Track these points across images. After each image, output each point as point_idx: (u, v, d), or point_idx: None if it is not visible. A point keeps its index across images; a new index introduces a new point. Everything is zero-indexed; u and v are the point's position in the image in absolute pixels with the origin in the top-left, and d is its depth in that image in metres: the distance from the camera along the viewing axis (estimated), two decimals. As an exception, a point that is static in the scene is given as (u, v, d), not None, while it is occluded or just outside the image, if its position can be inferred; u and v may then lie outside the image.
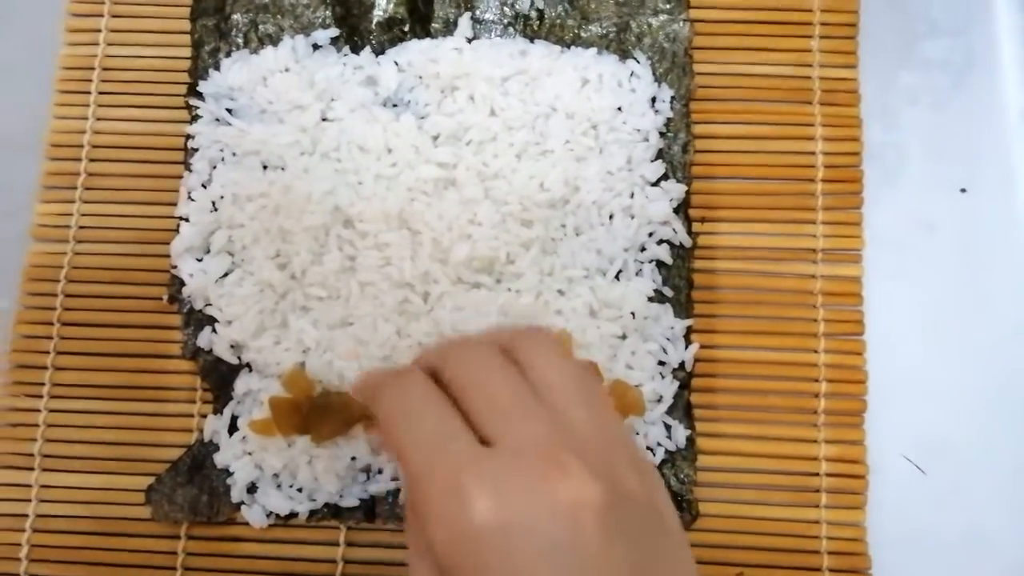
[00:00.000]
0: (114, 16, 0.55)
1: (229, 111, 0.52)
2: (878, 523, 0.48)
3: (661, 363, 0.49)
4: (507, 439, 0.31)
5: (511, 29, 0.54)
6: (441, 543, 0.30)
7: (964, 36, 0.55)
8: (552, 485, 0.30)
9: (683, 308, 0.50)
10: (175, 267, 0.51)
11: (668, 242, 0.51)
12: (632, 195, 0.50)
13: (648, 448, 0.48)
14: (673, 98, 0.53)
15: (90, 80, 0.54)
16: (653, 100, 0.52)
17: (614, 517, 0.30)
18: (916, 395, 0.50)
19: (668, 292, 0.50)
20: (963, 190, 0.53)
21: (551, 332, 0.38)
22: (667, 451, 0.48)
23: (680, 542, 0.33)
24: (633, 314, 0.49)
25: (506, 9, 0.54)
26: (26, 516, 0.49)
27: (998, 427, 0.50)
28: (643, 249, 0.50)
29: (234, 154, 0.51)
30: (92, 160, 0.53)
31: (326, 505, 0.48)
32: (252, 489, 0.48)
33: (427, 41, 0.53)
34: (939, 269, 0.52)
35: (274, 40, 0.53)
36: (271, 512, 0.48)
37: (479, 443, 0.31)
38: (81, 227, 0.53)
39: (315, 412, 0.47)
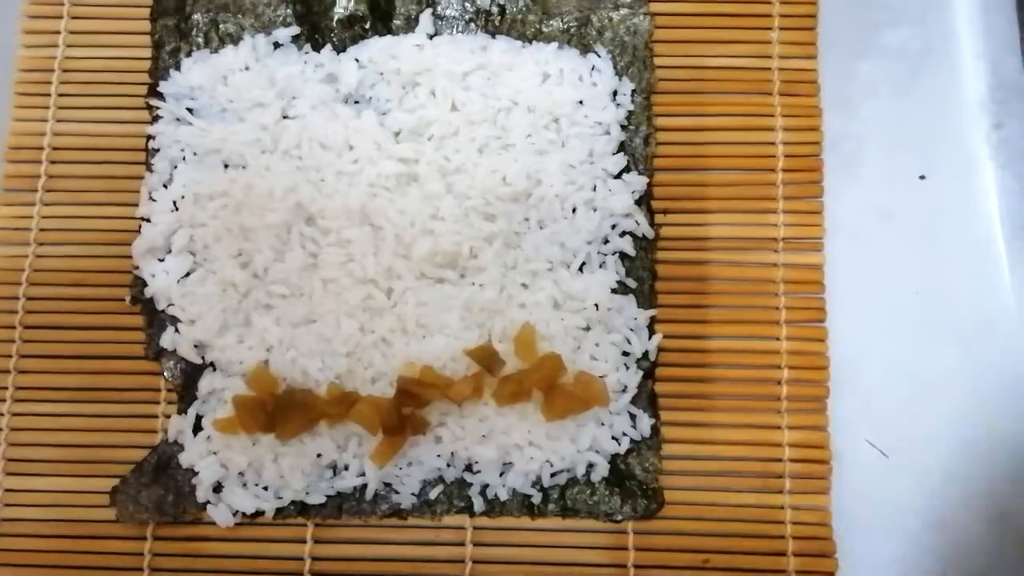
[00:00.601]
0: (73, 17, 0.55)
1: (190, 111, 0.52)
2: (842, 507, 0.49)
3: (625, 353, 0.49)
4: None
5: (472, 25, 0.54)
6: None
7: (922, 25, 0.55)
8: None
9: (646, 299, 0.50)
10: (137, 268, 0.50)
11: (631, 234, 0.51)
12: (594, 188, 0.51)
13: (613, 438, 0.48)
14: (634, 91, 0.53)
15: (49, 82, 0.54)
16: (614, 93, 0.52)
17: None
18: (878, 380, 0.50)
19: (631, 283, 0.50)
20: (922, 177, 0.53)
21: None
22: (632, 440, 0.49)
23: None
24: (597, 306, 0.49)
25: (467, 5, 0.54)
26: (-10, 521, 0.49)
27: (957, 409, 0.50)
28: (606, 241, 0.51)
29: (195, 153, 0.51)
30: (52, 162, 0.53)
31: (292, 502, 0.48)
32: (218, 488, 0.48)
33: (388, 38, 0.53)
34: (899, 256, 0.52)
35: (234, 39, 0.53)
36: (237, 511, 0.48)
37: None
38: (42, 230, 0.52)
39: (280, 409, 0.47)
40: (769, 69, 0.54)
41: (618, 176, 0.51)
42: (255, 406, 0.47)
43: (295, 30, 0.53)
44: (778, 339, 0.50)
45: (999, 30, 0.55)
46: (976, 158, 0.54)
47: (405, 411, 0.47)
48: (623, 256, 0.51)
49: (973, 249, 0.52)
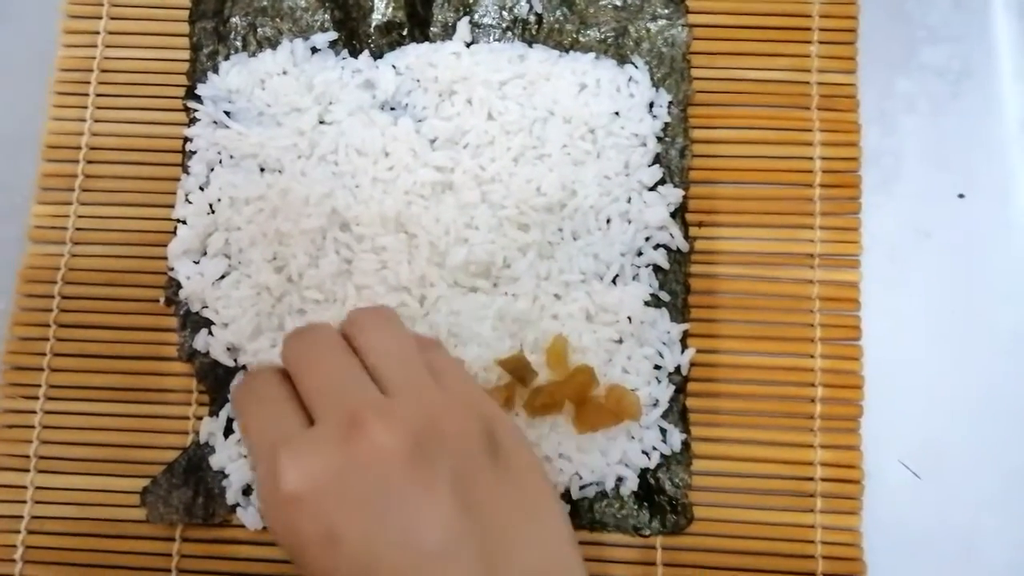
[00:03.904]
0: (112, 18, 0.55)
1: (227, 114, 0.52)
2: (874, 528, 0.48)
3: (657, 367, 0.49)
4: (322, 412, 0.34)
5: (509, 33, 0.54)
6: (269, 523, 0.34)
7: (962, 44, 0.55)
8: (352, 444, 0.33)
9: (679, 313, 0.50)
10: (172, 269, 0.51)
11: (665, 247, 0.51)
12: (629, 200, 0.50)
13: (644, 452, 0.48)
14: (671, 103, 0.53)
15: (88, 82, 0.54)
16: (651, 105, 0.52)
17: (423, 461, 0.32)
18: (912, 401, 0.50)
19: (665, 296, 0.50)
20: (961, 195, 0.53)
21: (385, 309, 0.42)
22: (662, 455, 0.48)
23: (524, 473, 0.35)
24: (630, 319, 0.49)
25: (504, 13, 0.54)
26: (21, 518, 0.49)
27: (994, 432, 0.50)
28: (640, 254, 0.50)
29: (231, 157, 0.51)
30: (89, 162, 0.53)
31: (321, 508, 0.48)
32: (247, 491, 0.48)
33: (425, 45, 0.53)
34: (936, 275, 0.52)
35: (272, 43, 0.53)
36: (266, 515, 0.48)
37: (305, 424, 0.35)
38: (78, 229, 0.53)
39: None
40: (808, 83, 0.53)
41: (653, 188, 0.51)
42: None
43: (333, 35, 0.53)
44: (812, 356, 0.50)
45: (1043, 49, 0.54)
46: (1016, 178, 0.53)
47: None
48: (657, 269, 0.51)
49: (1011, 269, 0.52)
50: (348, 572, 0.31)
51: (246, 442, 0.36)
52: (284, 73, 0.52)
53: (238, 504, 0.48)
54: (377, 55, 0.53)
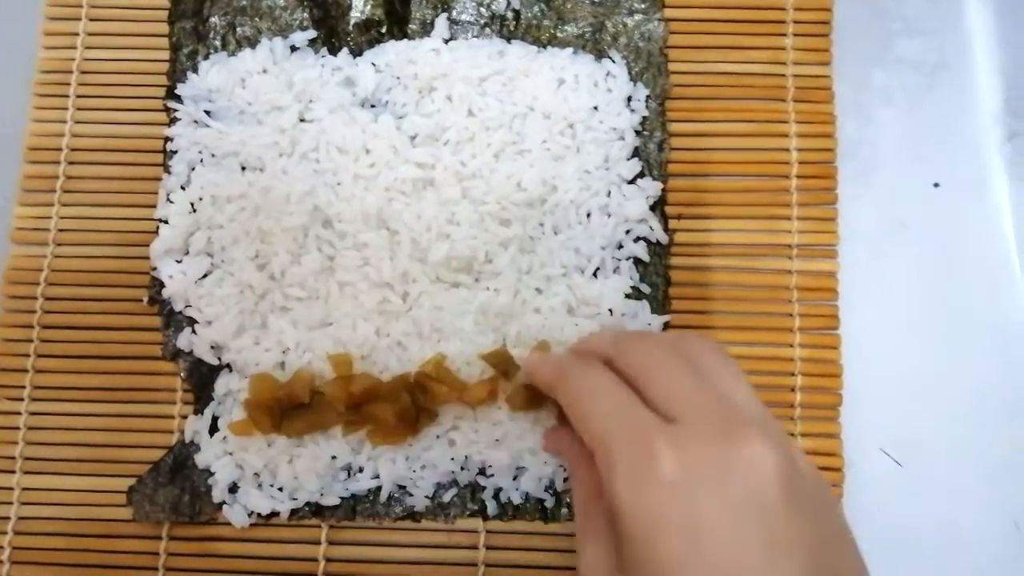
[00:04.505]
0: (92, 20, 0.55)
1: (207, 113, 0.52)
2: (855, 515, 0.48)
3: (639, 359, 0.49)
4: (687, 415, 0.34)
5: (488, 30, 0.54)
6: (626, 502, 0.32)
7: (937, 36, 0.56)
8: (735, 448, 0.32)
9: (660, 304, 0.51)
10: (155, 269, 0.51)
11: (645, 239, 0.51)
12: (609, 193, 0.51)
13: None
14: (649, 97, 0.53)
15: (68, 83, 0.54)
16: (629, 99, 0.53)
17: (793, 487, 0.32)
18: (892, 388, 0.51)
19: (645, 289, 0.51)
20: (936, 184, 0.53)
21: (709, 337, 0.41)
22: (645, 446, 0.49)
23: (845, 525, 0.35)
24: (611, 311, 0.49)
25: (482, 10, 0.54)
26: (8, 519, 0.50)
27: (973, 419, 0.50)
28: (620, 247, 0.51)
29: (213, 156, 0.52)
30: (71, 163, 0.53)
31: (307, 504, 0.49)
32: (233, 489, 0.49)
33: (404, 42, 0.53)
34: (913, 263, 0.52)
35: (252, 42, 0.54)
36: (252, 511, 0.48)
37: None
38: (60, 230, 0.53)
39: (289, 412, 0.48)
40: (784, 76, 0.54)
41: (632, 182, 0.52)
42: (263, 409, 0.47)
43: (312, 34, 0.54)
44: (791, 346, 0.51)
45: (1015, 42, 0.55)
46: (990, 169, 0.54)
47: (418, 401, 0.47)
48: (637, 261, 0.51)
49: (987, 258, 0.52)
50: (699, 565, 0.31)
51: (584, 424, 0.35)
52: (264, 72, 0.52)
53: (224, 502, 0.49)
54: (356, 53, 0.54)
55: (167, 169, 0.52)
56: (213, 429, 0.49)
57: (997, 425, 0.50)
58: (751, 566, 0.31)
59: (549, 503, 0.49)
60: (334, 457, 0.48)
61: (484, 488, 0.49)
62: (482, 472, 0.49)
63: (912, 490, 0.50)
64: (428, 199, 0.50)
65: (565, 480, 0.49)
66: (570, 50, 0.53)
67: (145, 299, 0.51)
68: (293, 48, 0.53)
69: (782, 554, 0.31)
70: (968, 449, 0.50)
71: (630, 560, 0.33)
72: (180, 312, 0.50)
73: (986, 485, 0.49)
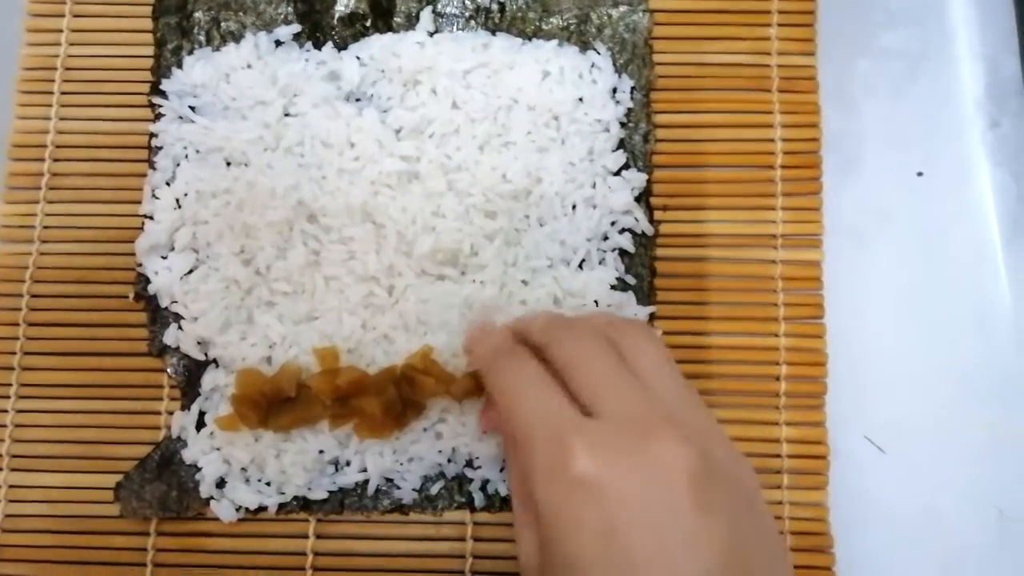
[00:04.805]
0: (75, 16, 0.55)
1: (192, 108, 0.52)
2: (840, 503, 0.49)
3: (625, 350, 0.50)
4: (607, 410, 0.34)
5: (472, 22, 0.54)
6: (543, 497, 0.33)
7: (921, 27, 0.56)
8: (647, 446, 0.33)
9: (646, 295, 0.51)
10: (140, 265, 0.51)
11: (630, 231, 0.51)
12: (594, 185, 0.51)
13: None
14: (633, 88, 0.53)
15: (52, 80, 0.54)
16: (614, 91, 0.53)
17: (706, 486, 0.32)
18: (876, 377, 0.51)
19: (631, 280, 0.51)
20: (920, 173, 0.54)
21: (644, 322, 0.41)
22: (632, 437, 0.49)
23: (769, 521, 0.35)
24: (596, 302, 0.49)
25: (467, 2, 0.54)
26: (-5, 516, 0.50)
27: (956, 407, 0.51)
28: (605, 238, 0.51)
29: (198, 151, 0.51)
30: (55, 160, 0.53)
31: (295, 498, 0.49)
32: (221, 484, 0.49)
33: (389, 35, 0.53)
34: (897, 253, 0.53)
35: (236, 37, 0.53)
36: (240, 506, 0.49)
37: (582, 414, 0.35)
38: (45, 227, 0.53)
39: (275, 406, 0.48)
40: (768, 66, 0.54)
41: (617, 173, 0.52)
42: (250, 403, 0.47)
43: (296, 28, 0.54)
44: (776, 335, 0.51)
45: (997, 31, 0.55)
46: (973, 157, 0.54)
47: (405, 393, 0.47)
48: (622, 253, 0.51)
49: (970, 246, 0.53)
50: (609, 566, 0.31)
51: (513, 420, 0.36)
52: (248, 67, 0.52)
53: (212, 497, 0.49)
54: (341, 47, 0.53)
55: (152, 165, 0.52)
56: (200, 424, 0.49)
57: (980, 413, 0.51)
58: (661, 566, 0.31)
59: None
60: (321, 451, 0.48)
61: (471, 480, 0.49)
62: (469, 464, 0.49)
63: (895, 477, 0.50)
64: (413, 192, 0.50)
65: (501, 471, 0.48)
66: (555, 42, 0.53)
67: (131, 295, 0.51)
68: (278, 43, 0.53)
69: (693, 554, 0.31)
70: (951, 436, 0.50)
71: (546, 558, 0.33)
72: (166, 308, 0.50)
73: (969, 472, 0.50)
